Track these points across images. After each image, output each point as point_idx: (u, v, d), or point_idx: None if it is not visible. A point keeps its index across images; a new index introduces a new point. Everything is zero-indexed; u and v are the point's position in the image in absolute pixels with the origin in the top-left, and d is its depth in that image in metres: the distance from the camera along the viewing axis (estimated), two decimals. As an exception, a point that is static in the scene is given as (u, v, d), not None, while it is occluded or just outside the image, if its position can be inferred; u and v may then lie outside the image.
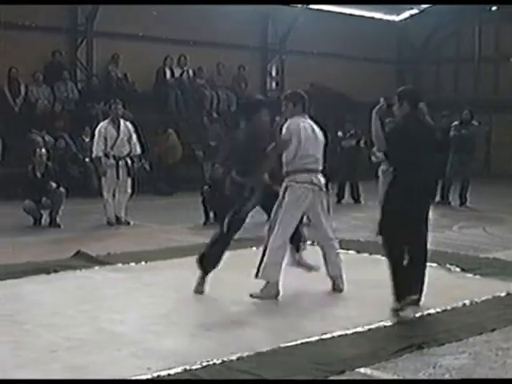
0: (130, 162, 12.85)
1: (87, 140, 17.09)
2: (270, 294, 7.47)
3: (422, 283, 7.10)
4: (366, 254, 10.06)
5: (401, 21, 25.43)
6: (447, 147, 15.97)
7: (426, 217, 7.14)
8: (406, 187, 6.95)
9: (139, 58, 19.63)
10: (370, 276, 8.77)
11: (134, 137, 12.98)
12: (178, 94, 19.86)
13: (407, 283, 6.92)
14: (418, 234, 7.06)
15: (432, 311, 7.03)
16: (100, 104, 18.20)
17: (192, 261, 9.50)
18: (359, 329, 6.44)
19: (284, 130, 7.63)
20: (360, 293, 7.87)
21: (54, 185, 12.47)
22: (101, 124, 12.98)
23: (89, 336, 6.25)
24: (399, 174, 7.07)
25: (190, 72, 20.40)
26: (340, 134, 17.31)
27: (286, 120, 7.78)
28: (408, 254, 7.01)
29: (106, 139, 12.67)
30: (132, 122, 13.36)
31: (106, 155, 12.66)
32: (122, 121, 12.90)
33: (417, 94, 7.49)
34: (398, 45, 25.90)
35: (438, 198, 16.15)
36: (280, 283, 7.52)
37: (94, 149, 12.84)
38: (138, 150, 13.08)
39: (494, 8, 23.21)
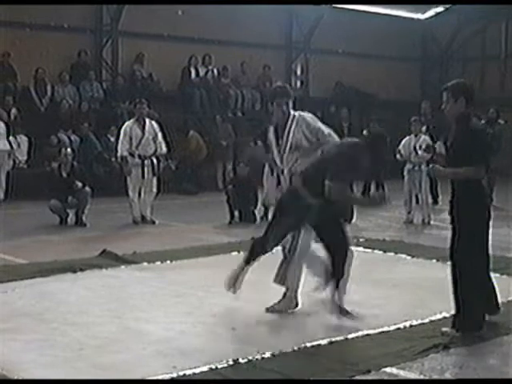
0: (155, 161, 12.89)
1: (112, 139, 17.17)
2: (288, 306, 7.15)
3: None
4: (391, 254, 10.02)
5: (426, 19, 25.29)
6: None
7: None
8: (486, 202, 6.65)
9: (164, 57, 19.69)
10: (395, 275, 8.75)
11: (160, 136, 13.01)
12: (203, 93, 19.89)
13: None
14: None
15: (458, 311, 6.98)
16: (125, 103, 18.28)
17: (217, 260, 9.56)
18: (385, 328, 6.42)
19: None
20: (386, 292, 7.85)
21: (79, 184, 12.54)
22: (126, 123, 13.03)
23: (115, 335, 6.28)
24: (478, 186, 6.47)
25: (215, 71, 20.43)
26: (365, 133, 17.24)
27: None
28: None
29: (131, 138, 12.72)
30: (157, 122, 13.41)
31: (132, 154, 12.71)
32: (147, 120, 12.94)
33: (472, 89, 6.49)
34: (424, 43, 25.78)
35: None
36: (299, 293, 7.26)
37: (119, 148, 12.89)
38: (164, 150, 13.11)
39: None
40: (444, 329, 6.24)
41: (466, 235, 6.30)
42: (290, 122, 7.20)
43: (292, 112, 7.21)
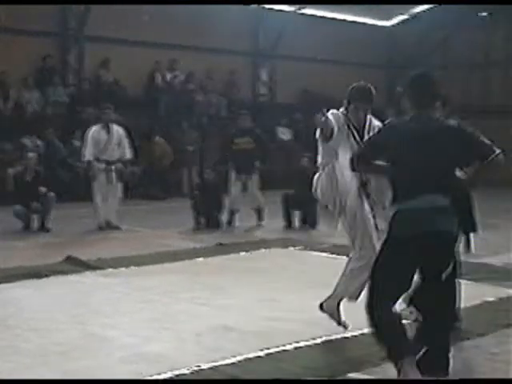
0: (121, 166, 12.86)
1: (78, 144, 17.09)
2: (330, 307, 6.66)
3: None
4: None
5: (391, 26, 25.52)
6: None
7: None
8: None
9: (130, 62, 19.63)
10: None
11: (125, 141, 12.99)
12: (169, 98, 19.86)
13: None
14: None
15: (422, 316, 7.03)
16: (91, 109, 18.19)
17: (183, 265, 9.55)
18: (348, 334, 6.45)
19: None
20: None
21: (43, 189, 12.46)
22: (92, 128, 12.98)
23: (79, 341, 6.25)
24: None
25: (181, 77, 20.40)
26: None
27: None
28: None
29: (97, 144, 12.69)
30: (123, 127, 13.38)
31: (97, 160, 12.67)
32: (113, 125, 12.91)
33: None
34: (389, 50, 25.97)
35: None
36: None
37: (84, 153, 12.84)
38: (129, 155, 13.08)
39: (483, 14, 23.32)
40: None
41: None
42: (367, 126, 6.72)
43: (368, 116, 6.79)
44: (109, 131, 12.76)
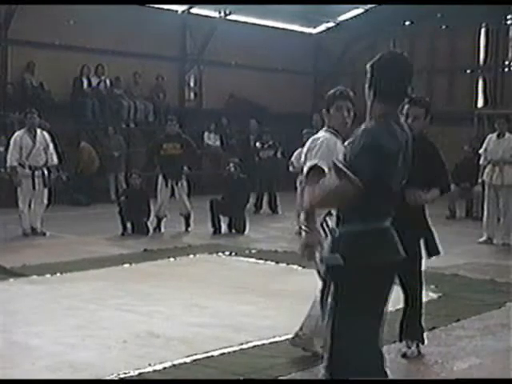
0: (46, 172, 12.69)
1: (1, 149, 16.78)
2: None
3: None
4: (283, 265, 10.12)
5: (317, 33, 25.76)
6: None
7: None
8: None
9: (55, 66, 19.36)
10: (287, 286, 8.85)
11: (51, 146, 12.82)
12: (96, 103, 19.65)
13: None
14: None
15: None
16: (15, 113, 17.89)
17: (109, 272, 9.48)
18: (276, 338, 6.48)
19: None
20: (277, 303, 7.93)
21: (-34, 195, 12.22)
22: (16, 133, 12.78)
23: (2, 350, 6.15)
24: None
25: (108, 82, 20.21)
26: (258, 144, 17.49)
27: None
28: None
29: (21, 149, 12.49)
30: (49, 132, 13.20)
31: (22, 165, 12.48)
32: (38, 130, 12.74)
33: None
34: (316, 57, 26.20)
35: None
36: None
37: (8, 158, 12.62)
38: (55, 160, 12.91)
39: (407, 23, 23.76)
40: None
41: None
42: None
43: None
44: (34, 136, 12.58)
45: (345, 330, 4.02)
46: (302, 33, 25.23)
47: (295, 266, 10.00)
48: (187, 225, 13.49)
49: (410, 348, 6.19)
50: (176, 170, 13.36)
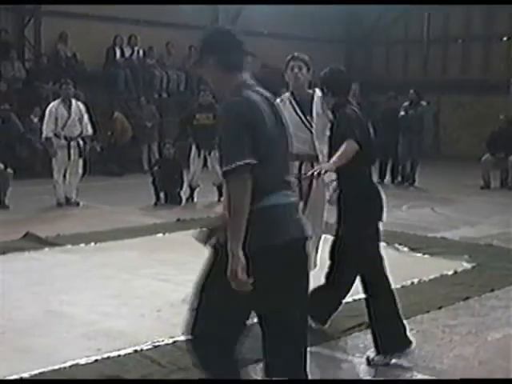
0: (81, 142, 12.74)
1: (36, 120, 16.88)
2: None
3: None
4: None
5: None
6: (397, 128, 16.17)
7: None
8: None
9: (88, 37, 19.39)
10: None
11: (86, 117, 12.86)
12: (128, 74, 19.67)
13: None
14: None
15: (381, 290, 7.09)
16: (49, 84, 17.98)
17: (142, 241, 9.54)
18: (309, 308, 6.48)
19: None
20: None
21: (1, 166, 12.31)
22: (51, 104, 12.81)
23: (38, 318, 6.22)
24: None
25: (140, 52, 20.23)
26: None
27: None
28: None
29: (56, 119, 12.54)
30: (84, 103, 13.25)
31: (57, 136, 12.54)
32: (73, 101, 12.77)
33: (343, 78, 5.96)
34: (348, 25, 25.98)
35: (388, 178, 16.39)
36: None
37: (44, 129, 12.68)
38: (90, 131, 12.96)
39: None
40: None
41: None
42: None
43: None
44: (69, 107, 12.62)
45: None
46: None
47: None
48: (220, 194, 13.48)
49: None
50: (209, 140, 13.31)
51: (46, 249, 9.01)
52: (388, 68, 25.33)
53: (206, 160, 13.45)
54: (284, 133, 3.84)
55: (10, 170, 12.40)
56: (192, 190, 13.39)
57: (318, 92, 6.47)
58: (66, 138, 12.56)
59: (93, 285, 7.38)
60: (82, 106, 12.85)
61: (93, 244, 9.32)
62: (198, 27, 21.94)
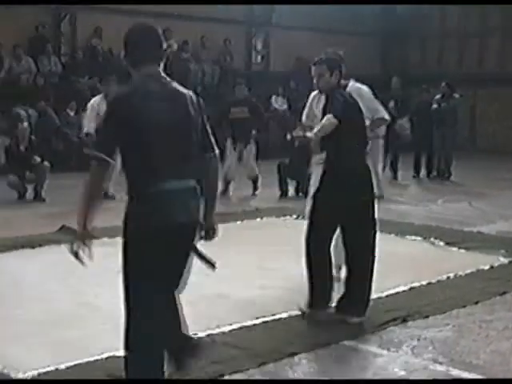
0: None
1: (72, 114, 17.03)
2: None
3: None
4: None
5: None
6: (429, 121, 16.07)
7: None
8: None
9: (123, 31, 19.42)
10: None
11: None
12: (163, 68, 19.73)
13: None
14: None
15: (416, 284, 7.07)
16: (85, 78, 18.11)
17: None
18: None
19: None
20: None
21: (38, 159, 12.42)
22: (93, 99, 12.79)
23: (74, 310, 6.27)
24: None
25: (175, 46, 20.29)
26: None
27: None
28: None
29: (98, 114, 12.50)
30: None
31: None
32: None
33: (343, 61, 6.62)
34: (384, 18, 25.81)
35: (423, 172, 16.29)
36: None
37: (85, 124, 12.64)
38: None
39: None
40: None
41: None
42: None
43: None
44: None
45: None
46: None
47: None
48: (255, 188, 13.51)
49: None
50: (244, 134, 13.37)
51: (82, 242, 9.06)
52: (424, 61, 25.14)
53: (241, 153, 13.45)
54: (182, 121, 4.12)
55: (46, 164, 12.50)
56: (227, 183, 13.40)
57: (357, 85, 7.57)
58: None
59: (128, 277, 7.40)
60: None
61: (128, 237, 9.35)
62: (233, 21, 22.08)
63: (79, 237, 4.34)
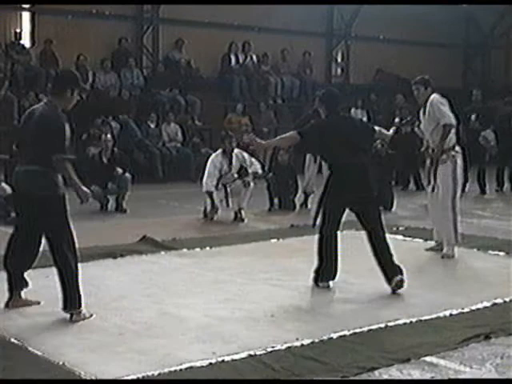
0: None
1: (153, 126, 17.26)
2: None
3: None
4: (432, 242, 9.89)
5: (469, 5, 24.98)
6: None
7: None
8: None
9: (204, 44, 19.69)
10: (435, 264, 8.69)
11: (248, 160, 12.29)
12: (243, 80, 19.88)
13: None
14: None
15: (500, 301, 6.91)
16: (166, 90, 18.35)
17: (257, 247, 9.58)
18: (425, 317, 6.37)
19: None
20: (425, 281, 7.79)
21: (120, 170, 12.61)
22: (213, 155, 12.31)
23: (154, 320, 6.32)
24: None
25: (255, 58, 20.40)
26: (397, 120, 17.11)
27: None
28: None
29: (219, 171, 12.07)
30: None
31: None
32: (234, 153, 12.20)
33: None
34: (466, 30, 25.46)
35: (506, 186, 15.95)
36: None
37: (205, 182, 12.03)
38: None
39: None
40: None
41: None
42: None
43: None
44: (230, 160, 12.16)
45: None
46: (452, 5, 24.53)
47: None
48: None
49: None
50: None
51: (162, 252, 9.17)
52: (508, 73, 24.68)
53: (320, 166, 13.39)
54: (32, 133, 6.40)
55: (128, 175, 12.68)
56: (306, 196, 13.36)
57: (433, 96, 9.01)
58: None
59: (207, 288, 7.45)
60: (241, 155, 12.27)
61: (208, 248, 9.43)
62: (313, 34, 22.09)
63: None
